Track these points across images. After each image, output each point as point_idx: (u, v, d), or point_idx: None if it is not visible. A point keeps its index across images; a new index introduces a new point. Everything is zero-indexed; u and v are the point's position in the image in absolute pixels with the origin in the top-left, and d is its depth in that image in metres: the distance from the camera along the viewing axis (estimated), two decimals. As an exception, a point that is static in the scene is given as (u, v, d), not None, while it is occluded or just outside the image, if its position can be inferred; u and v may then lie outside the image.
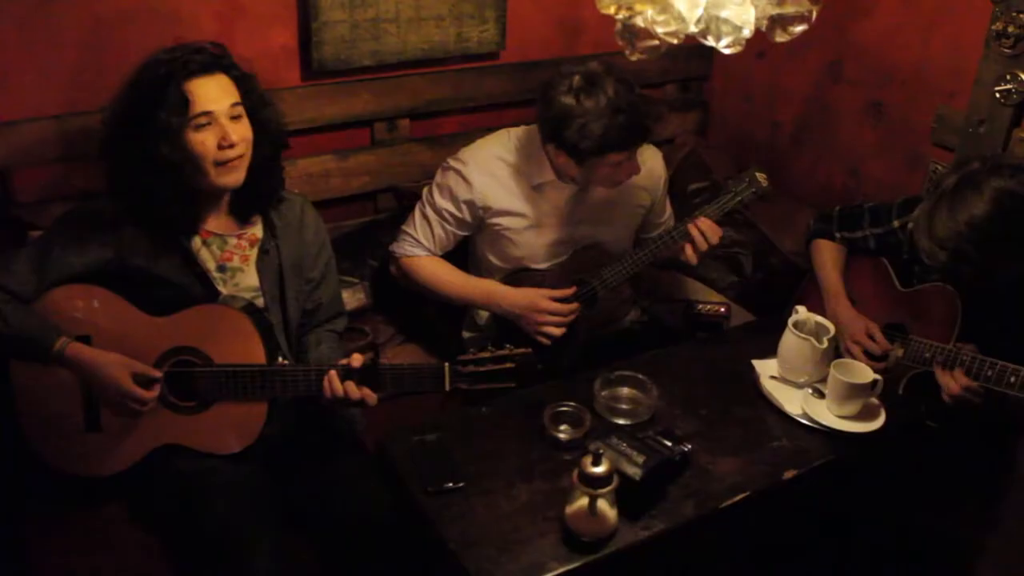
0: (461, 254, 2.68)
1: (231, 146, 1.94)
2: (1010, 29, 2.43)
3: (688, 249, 2.42)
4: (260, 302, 2.11)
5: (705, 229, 2.40)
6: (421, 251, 2.56)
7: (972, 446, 2.29)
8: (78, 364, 1.94)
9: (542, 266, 2.57)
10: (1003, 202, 2.00)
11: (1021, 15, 2.41)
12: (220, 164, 1.96)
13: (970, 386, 2.12)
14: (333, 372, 1.99)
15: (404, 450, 2.01)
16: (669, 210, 2.78)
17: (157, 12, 2.46)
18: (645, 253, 2.47)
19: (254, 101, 2.02)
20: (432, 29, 2.86)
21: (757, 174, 2.42)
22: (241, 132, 1.98)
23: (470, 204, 2.50)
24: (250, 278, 2.11)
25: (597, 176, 2.41)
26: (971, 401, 2.13)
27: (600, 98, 2.26)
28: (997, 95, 2.52)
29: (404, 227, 2.60)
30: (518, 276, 2.57)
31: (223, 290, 2.07)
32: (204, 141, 1.93)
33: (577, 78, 2.30)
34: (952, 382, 2.14)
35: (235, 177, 1.99)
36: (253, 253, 2.12)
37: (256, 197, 2.10)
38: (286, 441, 2.12)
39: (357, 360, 2.01)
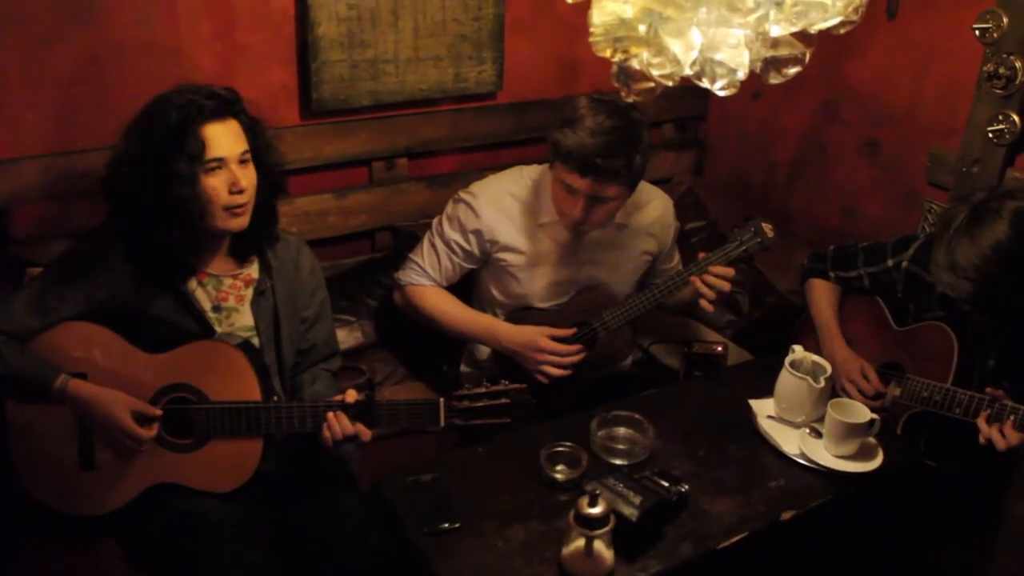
0: (466, 289, 2.68)
1: (240, 192, 1.96)
2: (1001, 71, 2.45)
3: (701, 302, 2.42)
4: (255, 342, 2.11)
5: (712, 282, 2.38)
6: (426, 280, 2.57)
7: (964, 484, 2.28)
8: (78, 401, 1.93)
9: (544, 304, 2.57)
10: None
11: (1011, 57, 2.43)
12: (229, 209, 1.97)
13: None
14: (334, 413, 1.99)
15: (400, 490, 2.00)
16: (677, 258, 2.79)
17: (158, 52, 2.48)
18: (647, 298, 2.47)
19: (261, 147, 2.03)
20: (430, 69, 2.89)
21: (763, 224, 2.40)
22: (250, 178, 1.99)
23: (478, 235, 2.51)
24: (245, 318, 2.11)
25: (552, 189, 2.42)
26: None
27: (598, 117, 2.28)
28: (990, 135, 2.54)
29: (411, 255, 2.61)
30: (520, 315, 2.57)
31: (219, 330, 2.07)
32: (216, 186, 1.93)
33: (604, 100, 2.33)
34: (1000, 438, 2.09)
35: (241, 222, 2.00)
36: (248, 293, 2.12)
37: (254, 238, 2.10)
38: (280, 478, 2.11)
39: (352, 395, 2.01)
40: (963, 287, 2.08)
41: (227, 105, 1.96)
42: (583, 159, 2.28)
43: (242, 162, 1.98)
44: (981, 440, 2.09)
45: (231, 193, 1.95)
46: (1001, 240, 2.01)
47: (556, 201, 2.44)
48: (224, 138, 1.94)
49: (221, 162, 1.94)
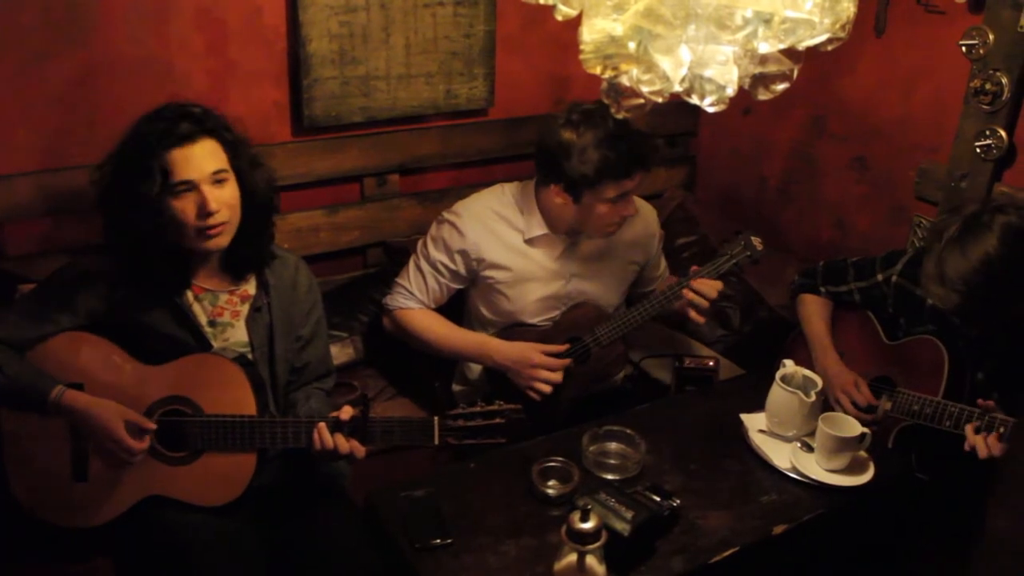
0: (456, 310, 2.68)
1: (210, 214, 1.95)
2: (988, 86, 2.47)
3: (691, 313, 2.44)
4: (250, 357, 2.10)
5: (700, 288, 2.40)
6: (414, 303, 2.57)
7: (952, 496, 2.29)
8: (74, 412, 1.93)
9: (534, 320, 2.58)
10: (1014, 238, 2.04)
11: (998, 73, 2.45)
12: (201, 231, 1.97)
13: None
14: (323, 424, 1.99)
15: (392, 506, 1.99)
16: (664, 265, 2.80)
17: (150, 69, 2.49)
18: (639, 312, 2.48)
19: (243, 164, 2.03)
20: (422, 86, 2.91)
21: (753, 238, 2.43)
22: (224, 197, 1.97)
23: (463, 254, 2.51)
24: (239, 333, 2.11)
25: (594, 216, 2.41)
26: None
27: (599, 129, 2.31)
28: (978, 150, 2.56)
29: (398, 279, 2.61)
30: (512, 332, 2.57)
31: (214, 344, 2.08)
32: (184, 208, 1.94)
33: (576, 115, 2.35)
34: (984, 447, 2.11)
35: (217, 242, 2.00)
36: (244, 309, 2.12)
37: (246, 257, 2.10)
38: (273, 493, 2.11)
39: (347, 412, 2.01)
40: (951, 299, 2.10)
41: (199, 126, 1.95)
42: (627, 165, 2.31)
43: (217, 181, 1.96)
44: (966, 447, 2.11)
45: (200, 216, 1.95)
46: (990, 254, 2.03)
47: (607, 219, 2.43)
48: (193, 160, 1.93)
49: (190, 184, 1.93)
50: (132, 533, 2.01)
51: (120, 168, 1.95)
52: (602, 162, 2.30)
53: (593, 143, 2.31)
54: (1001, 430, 2.07)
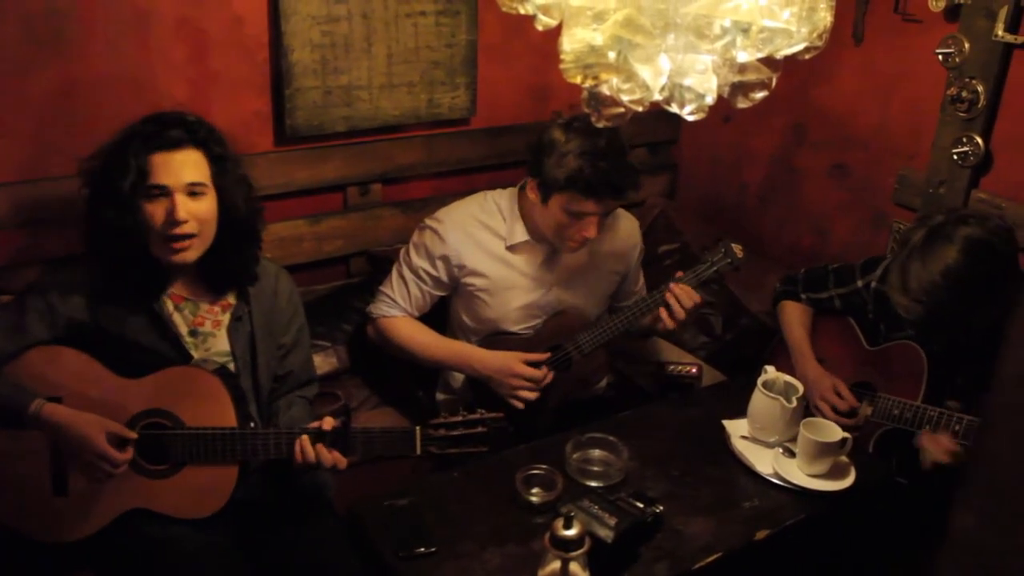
0: (439, 319, 2.68)
1: (176, 223, 1.94)
2: (964, 94, 2.51)
3: (664, 314, 2.43)
4: (231, 367, 2.10)
5: (680, 294, 2.40)
6: (397, 311, 2.57)
7: (930, 499, 2.30)
8: (53, 425, 1.90)
9: (516, 328, 2.58)
10: (974, 250, 2.06)
11: (974, 81, 2.49)
12: (166, 239, 1.95)
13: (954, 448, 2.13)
14: (305, 437, 1.98)
15: (375, 515, 1.99)
16: (642, 281, 2.81)
17: (132, 79, 2.48)
18: (620, 320, 2.48)
19: (227, 181, 2.02)
20: (404, 95, 2.91)
21: (733, 245, 2.44)
22: (196, 210, 1.96)
23: (445, 260, 2.51)
24: (221, 343, 2.10)
25: (554, 223, 2.41)
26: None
27: (588, 141, 2.30)
28: (955, 157, 2.59)
29: (381, 287, 2.61)
30: (494, 340, 2.58)
31: (195, 355, 2.07)
32: (154, 213, 1.93)
33: (577, 121, 2.35)
34: (938, 449, 2.14)
35: (183, 257, 1.98)
36: (225, 318, 2.12)
37: (225, 273, 2.10)
38: (256, 505, 2.10)
39: (328, 423, 2.01)
40: (914, 309, 2.13)
41: (188, 135, 1.96)
42: (597, 184, 2.30)
43: (192, 194, 1.96)
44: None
45: (167, 224, 1.94)
46: (950, 266, 2.05)
47: (563, 231, 2.41)
48: (172, 166, 1.93)
49: (163, 190, 1.93)
50: (113, 547, 2.00)
51: (101, 167, 1.96)
52: (575, 172, 2.30)
53: (576, 151, 2.30)
54: (930, 420, 2.16)
